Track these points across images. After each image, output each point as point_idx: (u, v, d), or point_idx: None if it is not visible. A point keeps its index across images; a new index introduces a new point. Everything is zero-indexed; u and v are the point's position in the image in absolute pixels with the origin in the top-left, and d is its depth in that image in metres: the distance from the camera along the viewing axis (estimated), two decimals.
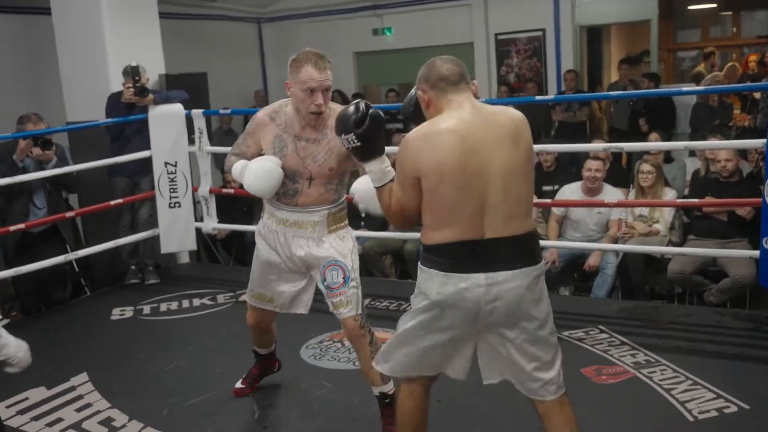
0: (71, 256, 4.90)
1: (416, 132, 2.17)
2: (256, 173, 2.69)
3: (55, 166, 4.74)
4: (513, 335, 2.16)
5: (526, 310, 2.14)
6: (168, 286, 5.22)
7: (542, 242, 5.09)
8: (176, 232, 5.36)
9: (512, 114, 2.19)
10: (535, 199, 5.17)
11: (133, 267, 5.38)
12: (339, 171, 2.82)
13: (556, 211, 5.19)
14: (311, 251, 2.84)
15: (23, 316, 5.06)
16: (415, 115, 2.33)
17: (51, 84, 6.26)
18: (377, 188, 2.29)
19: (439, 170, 2.08)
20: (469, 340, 2.22)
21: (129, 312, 4.70)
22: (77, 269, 5.42)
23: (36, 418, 3.24)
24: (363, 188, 2.66)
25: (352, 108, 2.31)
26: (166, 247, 5.40)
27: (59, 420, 3.22)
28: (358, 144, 2.26)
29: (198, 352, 3.95)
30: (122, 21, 5.55)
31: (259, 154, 2.86)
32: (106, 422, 3.17)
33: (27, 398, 3.43)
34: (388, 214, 2.28)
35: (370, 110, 2.28)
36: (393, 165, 2.30)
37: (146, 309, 4.74)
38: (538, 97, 6.92)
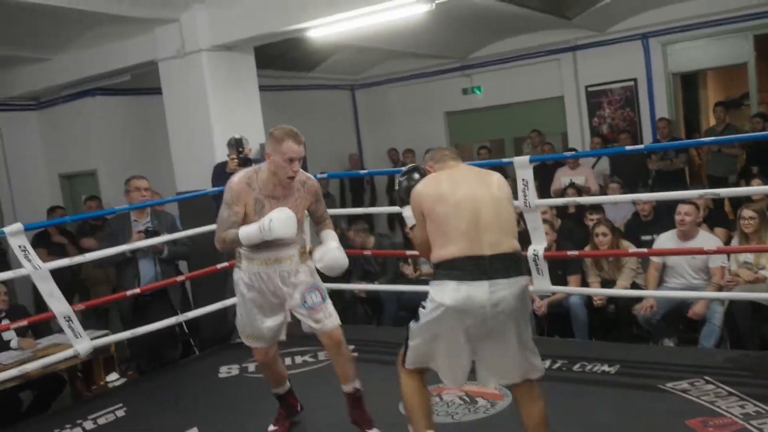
0: (182, 318, 5.13)
1: (419, 183, 2.90)
2: (284, 223, 3.17)
3: (168, 232, 5.08)
4: (513, 331, 2.70)
5: (520, 310, 2.72)
6: None
7: (641, 291, 5.01)
8: None
9: (493, 173, 2.91)
10: (633, 249, 5.14)
11: None
12: (302, 219, 3.49)
13: (654, 259, 5.09)
14: (291, 279, 3.40)
15: (138, 375, 5.35)
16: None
17: (162, 157, 6.71)
18: (411, 227, 2.93)
19: (434, 197, 2.77)
20: (470, 346, 2.72)
21: (235, 370, 4.91)
22: (186, 330, 5.68)
23: None
24: (327, 258, 3.38)
25: (404, 169, 3.12)
26: None
27: None
28: (396, 189, 3.10)
29: None
30: (226, 97, 5.93)
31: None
32: None
33: None
34: (416, 244, 2.94)
35: (411, 173, 3.01)
36: None
37: (251, 367, 4.91)
38: (628, 147, 6.82)
